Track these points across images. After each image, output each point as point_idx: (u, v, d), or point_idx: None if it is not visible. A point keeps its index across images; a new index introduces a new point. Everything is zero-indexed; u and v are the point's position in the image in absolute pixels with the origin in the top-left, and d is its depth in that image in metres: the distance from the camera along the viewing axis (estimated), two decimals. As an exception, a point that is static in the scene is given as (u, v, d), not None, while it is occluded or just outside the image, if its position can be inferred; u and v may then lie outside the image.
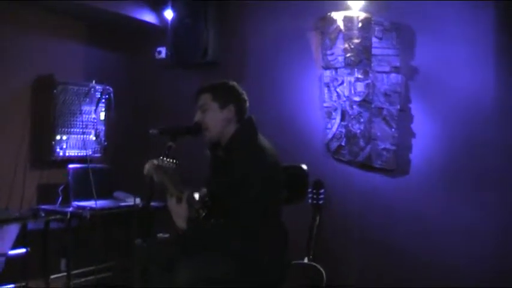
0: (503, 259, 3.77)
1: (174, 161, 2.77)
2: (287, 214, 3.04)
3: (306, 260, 4.03)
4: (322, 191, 4.24)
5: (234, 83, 3.07)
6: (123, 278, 4.55)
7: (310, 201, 4.22)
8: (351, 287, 4.26)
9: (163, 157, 2.78)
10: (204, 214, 2.78)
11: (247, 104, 3.05)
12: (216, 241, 2.77)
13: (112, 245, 4.89)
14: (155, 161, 2.80)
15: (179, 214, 2.75)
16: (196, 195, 2.78)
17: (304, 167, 3.36)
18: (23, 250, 4.24)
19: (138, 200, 4.50)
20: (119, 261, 4.79)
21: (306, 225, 4.17)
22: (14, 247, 4.22)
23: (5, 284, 4.21)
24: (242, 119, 3.01)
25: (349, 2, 4.22)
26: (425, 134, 4.07)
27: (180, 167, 2.81)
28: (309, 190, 4.19)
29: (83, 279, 4.66)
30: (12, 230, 4.20)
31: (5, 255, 4.15)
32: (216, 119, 2.97)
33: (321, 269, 3.96)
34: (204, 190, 2.86)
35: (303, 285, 3.97)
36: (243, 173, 2.77)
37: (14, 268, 4.24)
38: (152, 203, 4.19)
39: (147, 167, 2.84)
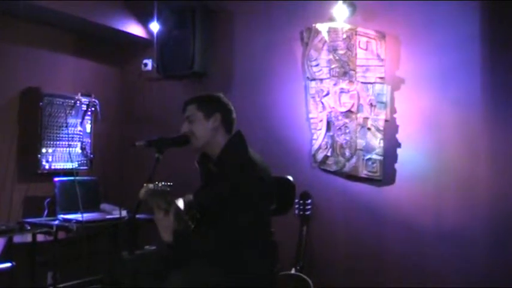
0: (491, 265, 3.80)
1: (169, 183, 2.77)
2: (274, 225, 3.04)
3: (293, 271, 4.03)
4: (309, 201, 4.26)
5: (220, 94, 3.10)
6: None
7: (297, 212, 4.23)
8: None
9: (156, 180, 2.78)
10: (192, 226, 2.78)
11: (234, 114, 3.06)
12: (203, 252, 2.77)
13: (99, 257, 4.86)
14: (150, 186, 2.78)
15: (165, 226, 2.75)
16: (181, 202, 2.78)
17: (291, 178, 3.37)
18: (9, 264, 4.17)
19: (124, 213, 4.50)
20: (106, 274, 4.76)
21: (293, 236, 4.18)
22: (0, 261, 4.19)
23: (-10, 298, 4.19)
24: (230, 129, 3.02)
25: (333, 14, 4.26)
26: (411, 144, 4.10)
27: (173, 189, 2.81)
28: (296, 201, 4.21)
29: (70, 293, 4.63)
30: (-1, 244, 4.21)
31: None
32: (202, 129, 2.98)
33: (308, 279, 3.96)
34: (189, 196, 2.86)
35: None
36: (234, 185, 2.78)
37: (0, 282, 4.21)
38: (138, 215, 4.18)
39: (143, 192, 2.82)
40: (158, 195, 2.71)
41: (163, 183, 2.72)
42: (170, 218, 2.72)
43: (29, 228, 4.22)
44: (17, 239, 4.29)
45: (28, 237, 4.37)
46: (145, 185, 2.74)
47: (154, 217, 2.79)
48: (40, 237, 4.41)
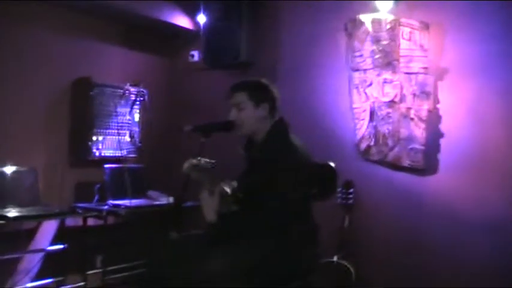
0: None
1: (212, 161, 2.89)
2: (318, 214, 3.10)
3: (335, 258, 4.09)
4: (351, 190, 4.31)
5: (267, 81, 3.15)
6: (155, 274, 4.63)
7: (340, 201, 4.29)
8: (380, 285, 4.31)
9: (201, 157, 2.89)
10: (236, 208, 2.88)
11: (279, 101, 3.14)
12: (245, 234, 2.84)
13: (146, 242, 4.98)
14: (194, 160, 2.91)
15: (210, 206, 2.85)
16: (227, 187, 2.88)
17: (333, 164, 3.43)
18: (61, 246, 4.36)
19: (171, 199, 4.61)
20: (152, 257, 4.88)
21: (336, 225, 4.24)
22: (53, 243, 4.38)
23: (44, 279, 4.34)
24: (274, 116, 3.10)
25: (377, 4, 4.28)
26: (454, 134, 4.10)
27: (216, 167, 2.92)
28: (339, 190, 4.27)
29: (118, 275, 4.77)
30: (52, 226, 4.36)
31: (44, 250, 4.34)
32: (250, 117, 3.04)
33: (350, 267, 4.02)
34: (235, 183, 2.95)
35: (332, 283, 4.03)
36: (275, 170, 2.85)
37: (52, 263, 4.39)
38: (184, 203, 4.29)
39: (186, 165, 2.95)
40: (201, 170, 2.83)
41: (206, 160, 2.83)
42: (215, 198, 2.83)
43: (80, 212, 4.39)
44: (69, 222, 4.42)
45: (79, 221, 4.51)
46: (188, 160, 2.86)
47: (199, 196, 2.89)
48: (90, 222, 4.54)
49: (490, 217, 3.93)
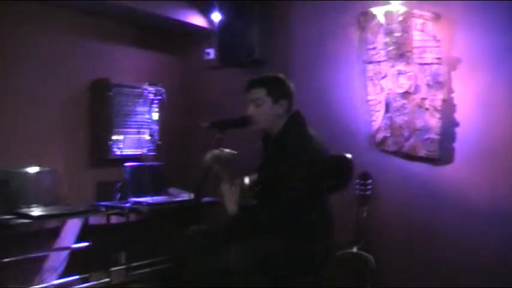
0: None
1: (234, 151, 2.96)
2: (336, 206, 3.16)
3: (355, 249, 4.13)
4: (369, 181, 4.34)
5: (285, 77, 3.19)
6: (178, 269, 4.70)
7: (357, 192, 4.33)
8: (399, 274, 4.34)
9: (222, 148, 2.96)
10: (255, 201, 2.95)
11: (295, 96, 3.18)
12: (264, 226, 2.90)
13: (167, 238, 5.06)
14: (216, 151, 2.98)
15: (231, 198, 2.91)
16: (247, 180, 2.94)
17: (349, 155, 3.47)
18: (85, 244, 4.46)
19: (191, 196, 4.67)
20: (174, 253, 4.95)
21: (354, 216, 4.27)
22: (77, 241, 4.48)
23: (70, 276, 4.44)
24: (290, 110, 3.14)
25: (388, -1, 4.31)
26: (469, 123, 4.10)
27: (237, 157, 2.98)
28: (357, 181, 4.31)
29: (141, 271, 4.85)
30: (76, 225, 4.45)
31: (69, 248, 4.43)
32: (268, 114, 3.09)
33: (371, 257, 4.05)
34: (254, 176, 3.00)
35: (352, 274, 4.07)
36: (292, 162, 2.91)
37: (77, 261, 4.49)
38: (203, 199, 4.36)
39: (208, 156, 3.01)
40: (223, 161, 2.89)
41: (228, 150, 2.90)
42: (236, 190, 2.89)
43: (103, 210, 4.47)
44: (92, 220, 4.51)
45: (102, 220, 4.60)
46: (210, 150, 2.92)
47: (221, 188, 2.96)
48: (113, 220, 4.63)
49: (503, 207, 3.94)
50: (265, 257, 2.83)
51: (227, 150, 2.97)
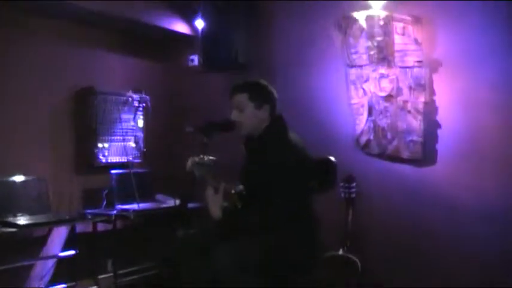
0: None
1: (213, 157, 2.98)
2: (322, 209, 3.17)
3: (341, 252, 4.16)
4: (353, 184, 4.37)
5: (266, 83, 3.22)
6: (166, 275, 4.71)
7: (342, 195, 4.36)
8: (385, 276, 4.36)
9: (202, 155, 2.98)
10: (239, 205, 2.97)
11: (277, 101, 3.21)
12: (249, 229, 2.91)
13: (155, 244, 5.06)
14: (196, 158, 3.01)
15: (215, 203, 2.94)
16: (233, 189, 2.97)
17: (332, 158, 3.51)
18: (72, 251, 4.44)
19: (178, 202, 4.68)
20: (162, 259, 4.96)
21: (340, 219, 4.29)
22: (64, 249, 4.46)
23: (56, 284, 4.42)
24: (273, 114, 3.17)
25: (370, 2, 4.34)
26: (451, 125, 4.15)
27: (218, 163, 3.01)
28: (341, 184, 4.33)
29: (129, 278, 4.84)
30: (62, 233, 4.44)
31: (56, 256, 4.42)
32: (251, 118, 3.12)
33: (357, 260, 4.07)
34: (240, 187, 3.04)
35: (339, 276, 4.09)
36: (274, 165, 2.93)
37: (64, 269, 4.47)
38: (190, 204, 4.37)
39: (189, 163, 3.04)
40: (203, 167, 2.93)
41: (208, 157, 2.93)
42: (220, 195, 2.92)
43: (89, 217, 4.46)
44: (79, 228, 4.50)
45: (88, 227, 4.60)
46: (190, 158, 2.95)
47: (205, 194, 2.98)
48: (99, 227, 4.63)
49: (488, 206, 3.98)
50: (250, 261, 2.83)
51: (207, 156, 3.00)
